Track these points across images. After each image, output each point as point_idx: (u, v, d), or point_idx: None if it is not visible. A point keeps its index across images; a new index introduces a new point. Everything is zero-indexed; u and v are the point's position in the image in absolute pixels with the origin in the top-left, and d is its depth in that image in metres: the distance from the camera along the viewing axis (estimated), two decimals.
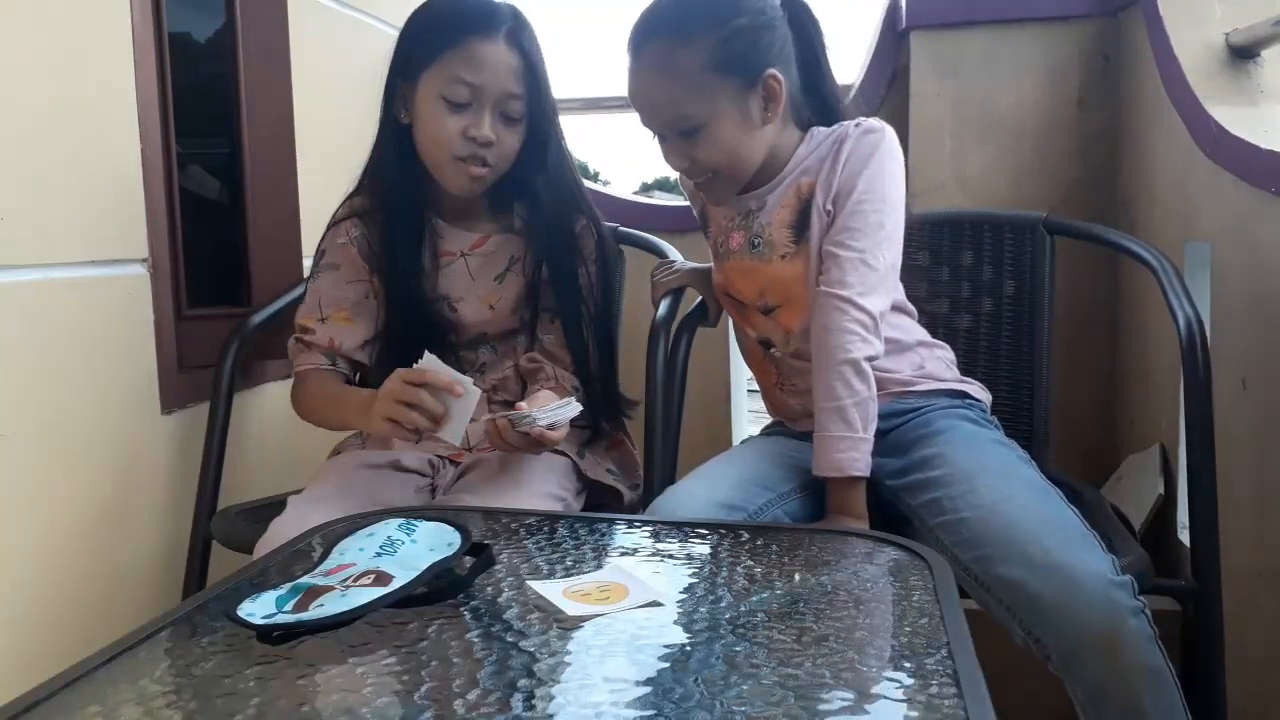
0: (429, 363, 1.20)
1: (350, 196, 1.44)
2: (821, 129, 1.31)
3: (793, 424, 1.39)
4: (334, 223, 1.43)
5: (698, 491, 1.21)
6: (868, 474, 1.19)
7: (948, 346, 1.41)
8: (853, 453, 1.18)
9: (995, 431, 1.30)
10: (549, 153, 1.37)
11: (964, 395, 1.35)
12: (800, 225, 1.28)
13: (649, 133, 1.30)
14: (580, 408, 1.24)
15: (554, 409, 1.21)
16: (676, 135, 1.26)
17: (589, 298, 1.42)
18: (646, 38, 1.24)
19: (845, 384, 1.19)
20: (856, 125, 1.28)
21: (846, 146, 1.26)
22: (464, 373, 1.40)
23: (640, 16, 1.27)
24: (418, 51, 1.31)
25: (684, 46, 1.21)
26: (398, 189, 1.37)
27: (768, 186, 1.31)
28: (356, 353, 1.40)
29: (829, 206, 1.26)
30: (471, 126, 1.29)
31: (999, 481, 1.16)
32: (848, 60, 2.23)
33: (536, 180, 1.37)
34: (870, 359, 1.20)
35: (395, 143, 1.35)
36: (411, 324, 1.38)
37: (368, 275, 1.40)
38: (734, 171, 1.28)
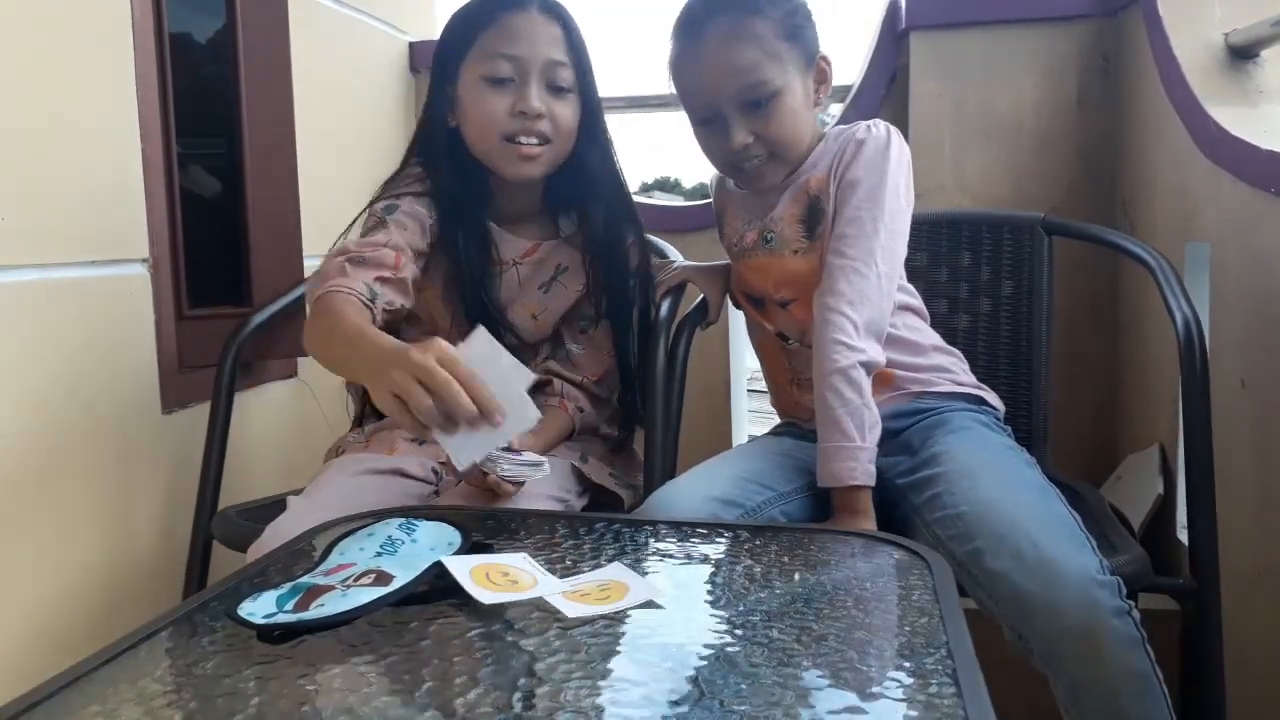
0: (479, 347, 0.96)
1: (409, 179, 1.32)
2: (838, 128, 1.33)
3: (805, 424, 1.39)
4: (406, 192, 1.30)
5: (694, 487, 1.21)
6: (870, 482, 1.18)
7: (961, 355, 1.41)
8: (850, 462, 1.18)
9: (1006, 437, 1.31)
10: (597, 143, 1.33)
11: (980, 400, 1.35)
12: (811, 221, 1.30)
13: (686, 121, 1.29)
14: (546, 473, 1.12)
15: (521, 463, 1.12)
16: (743, 107, 1.25)
17: (631, 312, 1.42)
18: (710, 14, 1.24)
19: (836, 393, 1.20)
20: (868, 128, 1.29)
21: (850, 148, 1.27)
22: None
23: (692, 1, 1.27)
24: (454, 46, 1.29)
25: (757, 15, 1.23)
26: (460, 196, 1.31)
27: (785, 181, 1.32)
28: (399, 296, 1.22)
29: (832, 207, 1.28)
30: (518, 101, 1.24)
31: (1000, 480, 1.16)
32: (848, 60, 2.23)
33: (588, 181, 1.33)
34: (864, 364, 1.20)
35: (448, 147, 1.30)
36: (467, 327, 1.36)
37: (425, 248, 1.28)
38: (790, 150, 1.29)
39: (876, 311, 1.23)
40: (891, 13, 2.12)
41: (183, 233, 1.52)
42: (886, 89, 2.12)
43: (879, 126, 1.29)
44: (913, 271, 1.50)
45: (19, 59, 1.22)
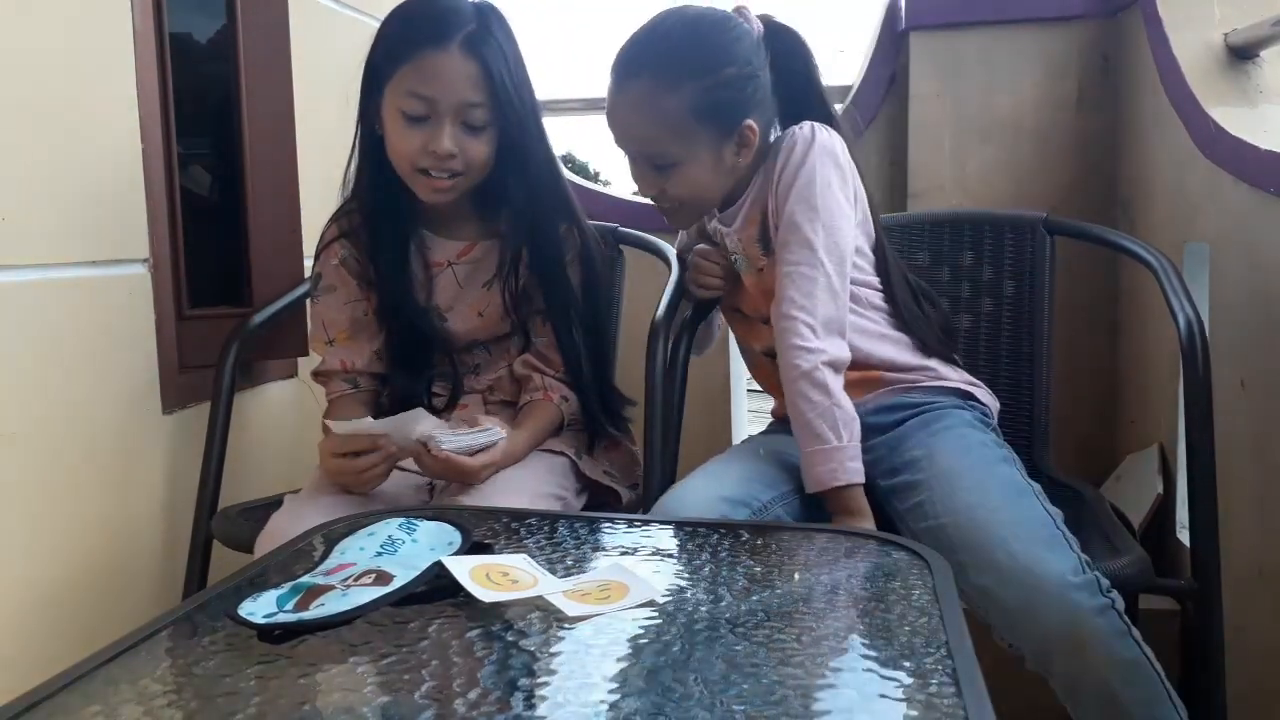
0: (355, 426, 1.23)
1: (337, 214, 1.43)
2: (778, 136, 1.33)
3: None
4: (324, 245, 1.42)
5: (701, 488, 1.22)
6: (856, 479, 1.18)
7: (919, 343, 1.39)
8: (830, 464, 1.18)
9: (988, 434, 1.30)
10: (529, 159, 1.33)
11: (968, 396, 1.35)
12: (766, 237, 1.31)
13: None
14: (502, 435, 1.24)
15: (463, 435, 1.21)
16: (648, 165, 1.30)
17: (576, 300, 1.40)
18: (635, 70, 1.26)
19: (803, 397, 1.20)
20: (793, 131, 1.29)
21: (782, 156, 1.28)
22: (459, 375, 1.41)
23: (631, 42, 1.28)
24: (378, 65, 1.30)
25: (671, 90, 1.23)
26: (380, 203, 1.36)
27: (735, 207, 1.34)
28: (372, 366, 1.41)
29: (776, 222, 1.29)
30: (431, 140, 1.26)
31: (976, 484, 1.17)
32: (847, 61, 2.23)
33: (515, 186, 1.34)
34: (827, 364, 1.20)
35: (374, 156, 1.34)
36: (406, 335, 1.39)
37: (364, 293, 1.40)
38: (699, 205, 1.34)
39: (831, 309, 1.23)
40: (891, 13, 2.12)
41: (183, 233, 1.52)
42: (886, 89, 2.12)
43: (804, 127, 1.29)
44: (914, 271, 1.50)
45: (19, 59, 1.21)
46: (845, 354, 1.24)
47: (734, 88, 1.26)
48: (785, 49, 1.33)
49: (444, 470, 1.21)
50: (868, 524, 1.17)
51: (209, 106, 1.64)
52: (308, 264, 1.72)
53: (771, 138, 1.34)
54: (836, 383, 1.21)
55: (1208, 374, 1.24)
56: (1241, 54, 1.64)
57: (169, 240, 1.48)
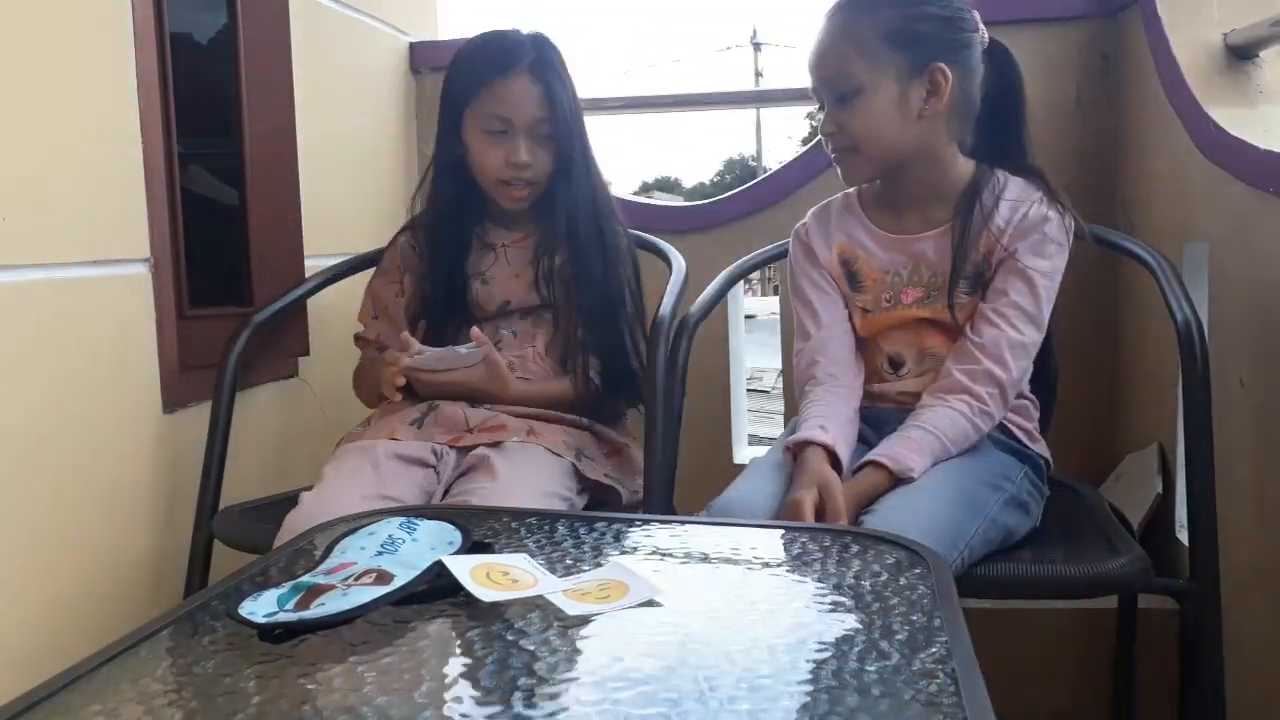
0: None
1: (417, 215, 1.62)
2: (1009, 187, 1.31)
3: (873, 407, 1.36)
4: (397, 233, 1.61)
5: (760, 489, 1.22)
6: (901, 471, 1.18)
7: (1035, 402, 1.40)
8: (909, 452, 1.19)
9: (1003, 472, 1.27)
10: (573, 167, 1.51)
11: (1015, 452, 1.33)
12: (975, 277, 1.30)
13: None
14: (479, 357, 1.39)
15: (444, 353, 1.41)
16: (833, 99, 1.29)
17: (612, 297, 1.53)
18: (837, 6, 1.30)
19: (955, 426, 1.22)
20: (1042, 203, 1.29)
21: (1032, 229, 1.28)
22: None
23: None
24: (457, 96, 1.50)
25: (869, 13, 1.27)
26: (454, 204, 1.55)
27: (938, 230, 1.32)
28: (403, 324, 1.55)
29: (994, 271, 1.29)
30: (510, 154, 1.47)
31: (926, 485, 1.17)
32: None
33: (563, 192, 1.52)
34: (978, 416, 1.25)
35: (453, 174, 1.53)
36: (449, 299, 1.53)
37: (399, 277, 1.57)
38: (874, 150, 1.29)
39: (1019, 385, 1.29)
40: None
41: (183, 232, 1.52)
42: None
43: (1065, 216, 1.29)
44: None
45: (19, 58, 1.22)
46: (997, 421, 1.28)
47: (932, 24, 1.27)
48: (1000, 68, 1.35)
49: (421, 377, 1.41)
50: (846, 507, 1.15)
51: (210, 106, 1.64)
52: (308, 263, 1.72)
53: (968, 142, 1.34)
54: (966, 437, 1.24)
55: (1207, 373, 1.24)
56: (1241, 54, 1.64)
57: (169, 240, 1.47)
